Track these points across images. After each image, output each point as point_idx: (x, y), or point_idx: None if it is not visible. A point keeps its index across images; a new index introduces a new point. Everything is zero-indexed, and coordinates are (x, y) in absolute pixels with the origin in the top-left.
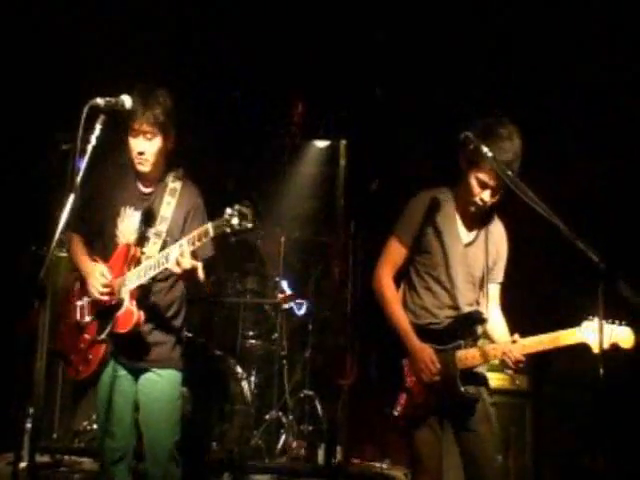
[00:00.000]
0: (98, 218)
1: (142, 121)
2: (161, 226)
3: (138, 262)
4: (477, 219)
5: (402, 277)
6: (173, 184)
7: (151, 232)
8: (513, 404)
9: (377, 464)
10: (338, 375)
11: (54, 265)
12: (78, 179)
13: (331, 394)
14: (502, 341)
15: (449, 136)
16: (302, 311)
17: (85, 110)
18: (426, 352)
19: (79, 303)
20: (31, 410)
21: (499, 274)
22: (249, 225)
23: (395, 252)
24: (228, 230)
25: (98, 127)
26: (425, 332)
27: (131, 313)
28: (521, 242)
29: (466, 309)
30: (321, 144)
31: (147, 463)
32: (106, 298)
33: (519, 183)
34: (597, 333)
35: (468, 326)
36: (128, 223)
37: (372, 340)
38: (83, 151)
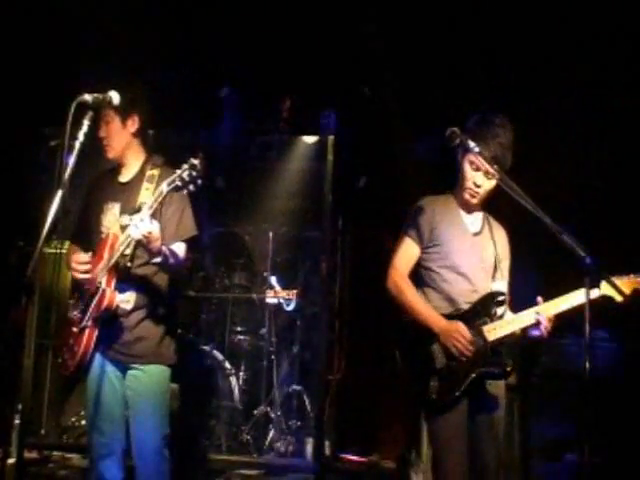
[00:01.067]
0: (89, 222)
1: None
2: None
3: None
4: (477, 212)
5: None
6: (151, 171)
7: (131, 220)
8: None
9: (365, 458)
10: (326, 370)
11: (42, 261)
12: (66, 175)
13: (319, 389)
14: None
15: (438, 133)
16: (291, 307)
17: (73, 106)
18: (455, 326)
19: (71, 301)
20: (19, 406)
21: (505, 272)
22: (198, 174)
23: (408, 250)
24: (179, 183)
25: (86, 123)
26: (450, 317)
27: (104, 293)
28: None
29: (484, 293)
30: (310, 140)
31: (134, 459)
32: (85, 276)
33: (505, 177)
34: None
35: (490, 306)
36: (110, 216)
37: (392, 337)
38: (71, 147)
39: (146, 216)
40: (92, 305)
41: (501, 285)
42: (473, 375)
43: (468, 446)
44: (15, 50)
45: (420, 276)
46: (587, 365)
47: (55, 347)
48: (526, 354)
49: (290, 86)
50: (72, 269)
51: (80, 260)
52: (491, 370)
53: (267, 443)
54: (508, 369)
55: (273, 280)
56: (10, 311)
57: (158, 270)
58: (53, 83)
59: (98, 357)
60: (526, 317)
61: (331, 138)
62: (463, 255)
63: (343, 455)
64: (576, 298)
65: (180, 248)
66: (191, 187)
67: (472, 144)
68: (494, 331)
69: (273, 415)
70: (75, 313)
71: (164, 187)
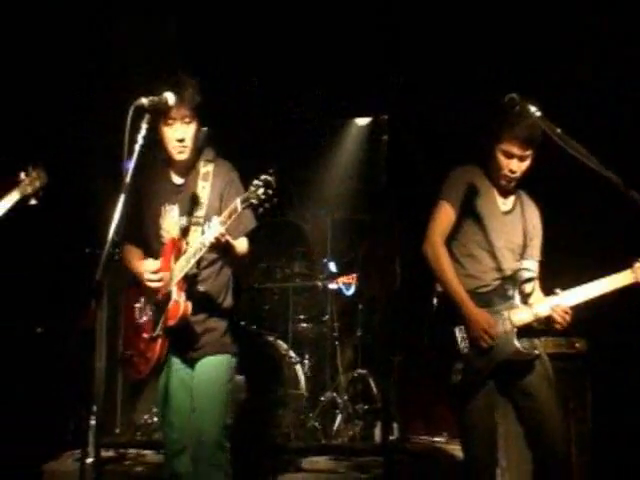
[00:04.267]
0: (144, 222)
1: (180, 106)
2: (198, 213)
3: (183, 254)
4: (510, 193)
5: None
6: (205, 168)
7: (191, 221)
8: (572, 369)
9: (434, 439)
10: (389, 352)
11: (110, 266)
12: (128, 179)
13: (383, 372)
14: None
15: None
16: (350, 291)
17: (131, 111)
18: (484, 317)
19: (137, 305)
20: (94, 408)
21: (537, 250)
22: (274, 192)
23: (445, 217)
24: (255, 201)
25: (144, 126)
26: (475, 296)
27: (178, 304)
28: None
29: (510, 273)
30: (362, 122)
31: (194, 446)
32: (158, 285)
33: (568, 139)
34: None
35: (517, 285)
36: (169, 219)
37: (421, 313)
38: (131, 151)
39: (219, 232)
40: (164, 315)
41: (530, 264)
42: (496, 363)
43: (524, 433)
44: (73, 57)
45: (448, 244)
46: None
47: (125, 353)
48: (596, 318)
49: (340, 70)
50: (146, 280)
51: (152, 269)
52: (515, 358)
53: (335, 429)
54: (533, 355)
55: (332, 266)
56: (81, 316)
57: (222, 267)
58: (109, 90)
59: (169, 355)
60: (542, 308)
61: (384, 118)
62: (492, 233)
63: (411, 436)
64: (595, 288)
65: (243, 243)
66: (267, 206)
67: (533, 108)
68: (518, 319)
69: (339, 400)
70: (145, 319)
71: (238, 205)
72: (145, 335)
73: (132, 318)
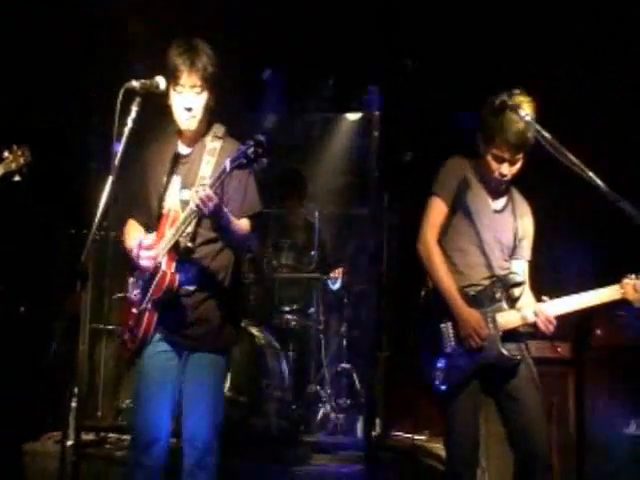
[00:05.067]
0: (149, 196)
1: (191, 73)
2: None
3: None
4: (501, 193)
5: None
6: (212, 144)
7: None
8: (555, 373)
9: (416, 436)
10: (375, 348)
11: (94, 246)
12: (116, 162)
13: (368, 367)
14: (534, 303)
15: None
16: (337, 286)
17: (121, 93)
18: (475, 317)
19: (131, 279)
20: (75, 390)
21: (526, 251)
22: (264, 152)
23: (438, 212)
24: (244, 160)
25: (134, 109)
26: (464, 296)
27: (164, 274)
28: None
29: (499, 272)
30: (353, 117)
31: (184, 446)
32: (147, 263)
33: (558, 145)
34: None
35: (506, 289)
36: (170, 190)
37: (409, 309)
38: (120, 134)
39: (207, 189)
40: (152, 287)
41: (519, 265)
42: (479, 364)
43: (507, 434)
44: (65, 39)
45: (440, 239)
46: None
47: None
48: (580, 326)
49: (331, 64)
50: (138, 257)
51: (147, 244)
52: (499, 362)
53: (317, 422)
54: (515, 361)
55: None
56: (65, 298)
57: (221, 248)
58: (102, 70)
59: (156, 337)
60: (528, 314)
61: (376, 114)
62: (482, 229)
63: (393, 433)
64: (582, 300)
65: (243, 223)
66: (255, 166)
67: (524, 112)
68: (506, 323)
69: (323, 394)
70: (135, 293)
71: (227, 164)
72: (134, 310)
73: (126, 295)
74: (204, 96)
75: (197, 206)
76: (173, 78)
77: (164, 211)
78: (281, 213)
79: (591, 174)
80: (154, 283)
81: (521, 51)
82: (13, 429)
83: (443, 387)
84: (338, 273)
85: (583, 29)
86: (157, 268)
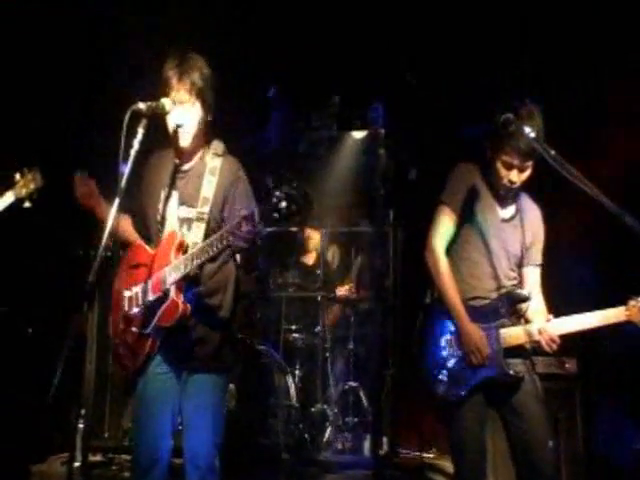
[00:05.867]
0: (145, 203)
1: (179, 88)
2: (203, 208)
3: (185, 249)
4: (510, 200)
5: None
6: (213, 162)
7: (193, 214)
8: (562, 389)
9: (424, 454)
10: (381, 366)
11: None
12: (123, 183)
13: (375, 385)
14: (539, 320)
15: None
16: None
17: (127, 115)
18: (477, 334)
19: (127, 294)
20: (82, 411)
21: (537, 256)
22: (298, 209)
23: (446, 221)
24: (276, 215)
25: (140, 131)
26: (469, 309)
27: (176, 305)
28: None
29: (506, 282)
30: (358, 135)
31: (186, 466)
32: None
33: (562, 161)
34: None
35: (511, 304)
36: (168, 204)
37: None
38: (126, 155)
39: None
40: (158, 314)
41: (530, 271)
42: (481, 379)
43: (510, 450)
44: (72, 62)
45: (447, 247)
46: None
47: (111, 337)
48: (586, 340)
49: (335, 82)
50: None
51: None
52: (500, 377)
53: (324, 440)
54: (517, 377)
55: None
56: (73, 319)
57: (219, 267)
58: (106, 92)
59: (156, 360)
60: (533, 330)
61: (381, 131)
62: (489, 238)
63: (401, 451)
64: (587, 320)
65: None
66: (288, 221)
67: (528, 129)
68: (510, 339)
69: (330, 412)
70: (135, 312)
71: (256, 215)
72: (134, 329)
73: (120, 305)
74: (195, 111)
75: (229, 244)
76: (165, 94)
77: (166, 229)
78: (286, 232)
79: (596, 190)
80: (162, 310)
81: (524, 64)
82: (20, 450)
83: (445, 401)
84: (344, 291)
85: (584, 44)
86: (164, 295)
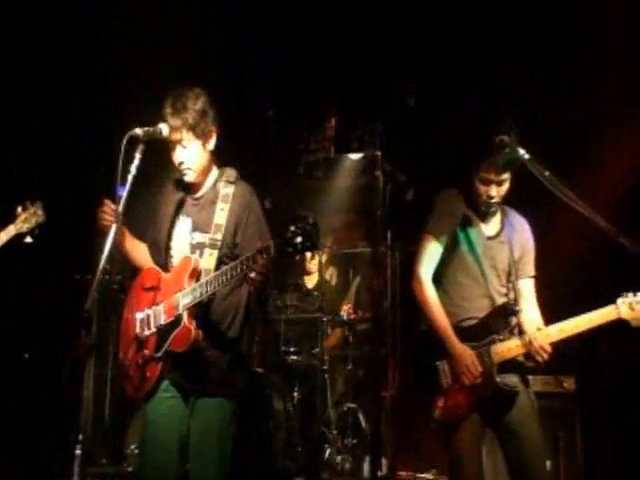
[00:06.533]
0: (158, 228)
1: (174, 129)
2: (216, 235)
3: (198, 276)
4: (494, 216)
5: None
6: (225, 189)
7: (206, 241)
8: (561, 407)
9: (423, 475)
10: (380, 387)
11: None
12: (120, 208)
13: (374, 406)
14: (530, 331)
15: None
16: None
17: (125, 140)
18: (468, 355)
19: (140, 316)
20: (80, 437)
21: (529, 268)
22: (312, 244)
23: (432, 249)
24: (291, 250)
25: (137, 156)
26: (459, 330)
27: (189, 331)
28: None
29: (498, 299)
30: (355, 156)
31: None
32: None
33: (556, 182)
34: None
35: (501, 319)
36: (181, 230)
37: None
38: (124, 179)
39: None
40: (170, 339)
41: (523, 284)
42: (477, 398)
43: (507, 469)
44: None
45: (435, 274)
46: None
47: (120, 359)
48: (584, 358)
49: (333, 104)
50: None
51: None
52: (496, 394)
53: (324, 462)
54: (513, 391)
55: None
56: (74, 347)
57: (229, 292)
58: (107, 118)
59: (164, 384)
60: (526, 341)
61: (379, 153)
62: (477, 259)
63: (400, 472)
64: (578, 324)
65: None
66: (302, 255)
67: (522, 151)
68: (501, 354)
69: (329, 434)
70: (147, 334)
71: (272, 248)
72: (146, 352)
73: (132, 327)
74: (193, 148)
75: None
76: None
77: (179, 254)
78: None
79: (590, 210)
80: (174, 336)
81: (521, 87)
82: (18, 478)
83: (442, 424)
84: (344, 311)
85: (580, 69)
86: (177, 320)
